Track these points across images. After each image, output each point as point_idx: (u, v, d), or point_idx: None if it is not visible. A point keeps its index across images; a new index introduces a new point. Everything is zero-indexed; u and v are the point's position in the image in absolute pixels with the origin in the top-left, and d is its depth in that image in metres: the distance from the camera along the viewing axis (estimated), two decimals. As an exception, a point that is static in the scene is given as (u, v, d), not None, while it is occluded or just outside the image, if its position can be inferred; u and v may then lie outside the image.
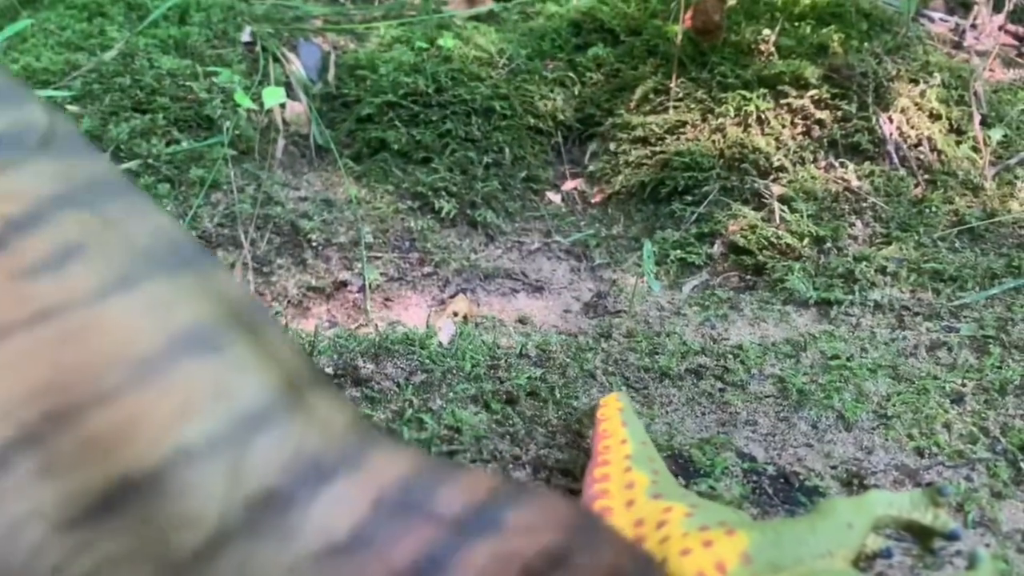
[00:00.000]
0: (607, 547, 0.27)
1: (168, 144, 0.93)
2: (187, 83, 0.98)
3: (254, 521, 0.25)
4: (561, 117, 1.07)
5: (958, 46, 1.18)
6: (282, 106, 1.01)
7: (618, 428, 0.57)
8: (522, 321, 0.82)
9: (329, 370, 0.69)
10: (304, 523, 0.25)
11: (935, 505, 0.49)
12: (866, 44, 1.06)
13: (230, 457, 0.25)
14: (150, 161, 0.90)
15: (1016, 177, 0.96)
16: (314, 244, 0.87)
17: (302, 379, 0.28)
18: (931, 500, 0.49)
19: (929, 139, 0.99)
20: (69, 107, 0.92)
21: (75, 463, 0.24)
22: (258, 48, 1.07)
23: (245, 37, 1.08)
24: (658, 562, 0.28)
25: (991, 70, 1.14)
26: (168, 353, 0.26)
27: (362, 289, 0.84)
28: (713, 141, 1.00)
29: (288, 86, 1.04)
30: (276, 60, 1.06)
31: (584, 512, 0.28)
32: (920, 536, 0.50)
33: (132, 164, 0.89)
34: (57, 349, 0.25)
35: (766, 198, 0.94)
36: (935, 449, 0.66)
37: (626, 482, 0.51)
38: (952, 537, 0.49)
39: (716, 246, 0.92)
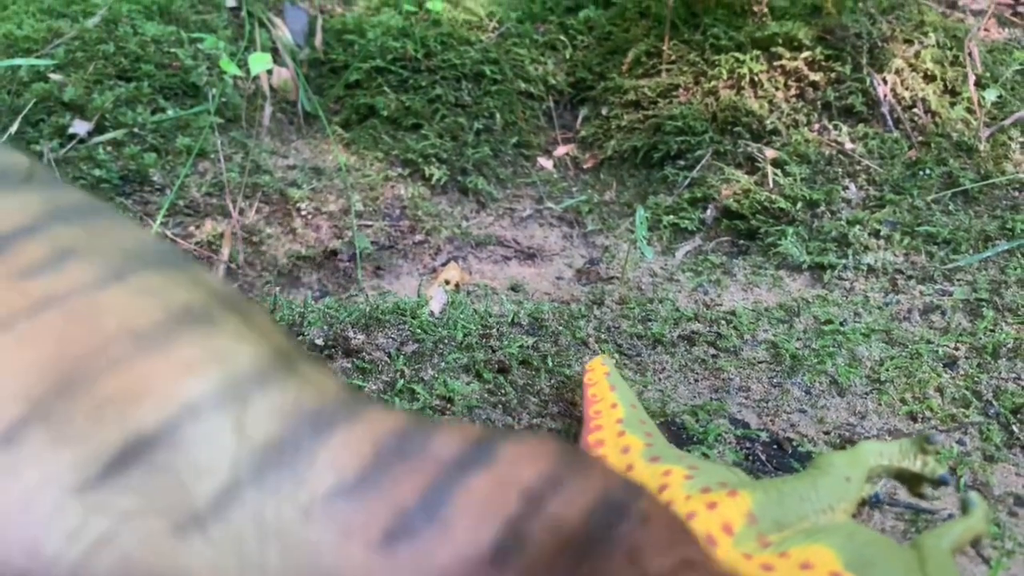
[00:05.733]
0: (596, 472, 0.29)
1: (154, 112, 0.91)
2: (172, 50, 0.97)
3: (264, 469, 0.26)
4: (552, 81, 1.06)
5: (953, 5, 1.17)
6: (269, 72, 0.99)
7: (607, 392, 0.57)
8: (514, 288, 0.82)
9: (319, 341, 0.69)
10: (312, 468, 0.27)
11: (923, 452, 0.49)
12: (860, 3, 1.04)
13: (234, 411, 0.27)
14: (136, 130, 0.89)
15: (1010, 138, 0.95)
16: (303, 213, 0.86)
17: (291, 351, 0.30)
18: (919, 448, 0.49)
19: (923, 100, 0.98)
20: (52, 76, 0.91)
21: (86, 429, 0.26)
22: (243, 13, 1.05)
23: (230, 2, 1.07)
24: (646, 489, 0.29)
25: (986, 29, 1.13)
26: (166, 325, 0.28)
27: (352, 258, 0.83)
28: (706, 104, 0.99)
29: (275, 52, 1.03)
30: (262, 25, 1.04)
31: (569, 445, 0.30)
32: (910, 483, 0.50)
33: (118, 133, 0.88)
34: (61, 329, 0.27)
35: (759, 162, 0.93)
36: (928, 413, 0.66)
37: (621, 447, 0.51)
38: (941, 483, 0.49)
39: (709, 211, 0.91)
